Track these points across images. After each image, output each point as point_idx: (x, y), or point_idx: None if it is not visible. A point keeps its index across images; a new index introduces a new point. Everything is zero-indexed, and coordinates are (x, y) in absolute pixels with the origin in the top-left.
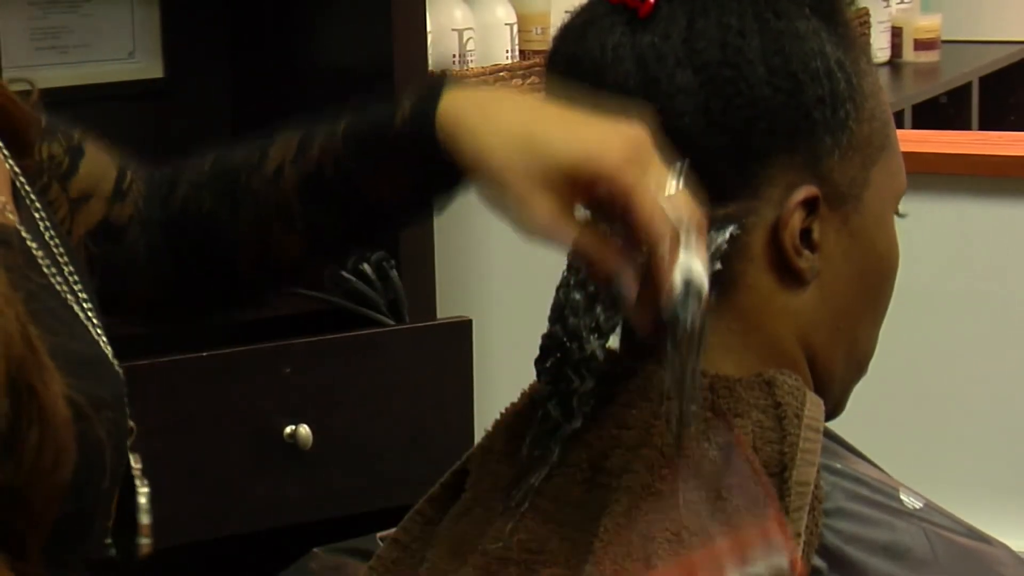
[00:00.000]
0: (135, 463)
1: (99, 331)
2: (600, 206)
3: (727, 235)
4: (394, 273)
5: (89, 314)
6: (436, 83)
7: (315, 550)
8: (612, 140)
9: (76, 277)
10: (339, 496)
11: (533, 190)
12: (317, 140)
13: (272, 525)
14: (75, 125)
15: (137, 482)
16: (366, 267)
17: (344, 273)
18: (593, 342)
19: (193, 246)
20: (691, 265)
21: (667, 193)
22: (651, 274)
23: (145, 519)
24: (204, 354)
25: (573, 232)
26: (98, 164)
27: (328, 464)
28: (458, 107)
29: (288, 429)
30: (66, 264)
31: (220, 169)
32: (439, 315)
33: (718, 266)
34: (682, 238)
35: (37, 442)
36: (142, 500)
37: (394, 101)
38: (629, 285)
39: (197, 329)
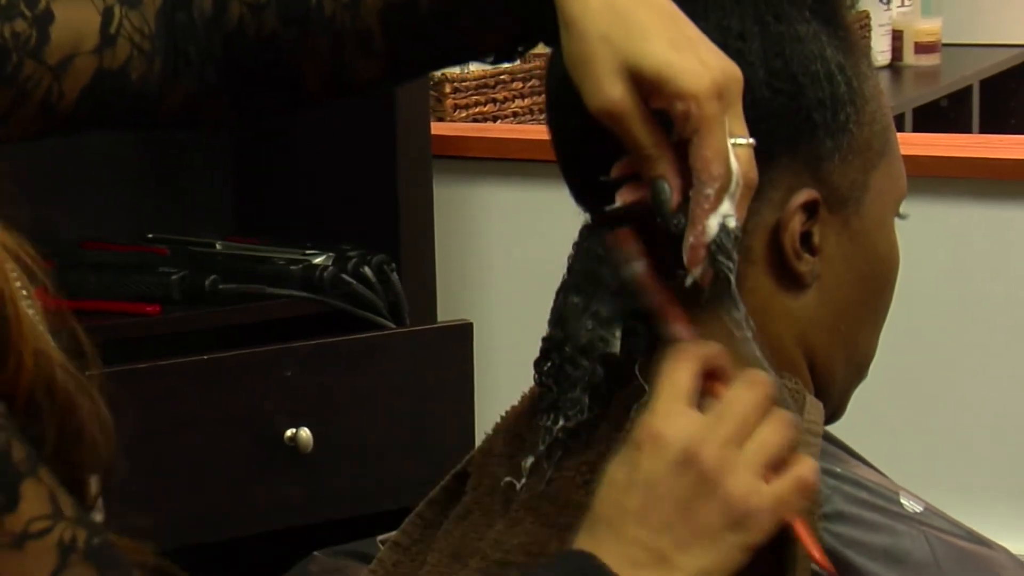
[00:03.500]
0: None
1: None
2: (666, 120)
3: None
4: (395, 276)
5: (37, 318)
6: None
7: (315, 553)
8: (708, 67)
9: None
10: (340, 499)
11: (614, 72)
12: None
13: (273, 528)
14: None
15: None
16: (367, 270)
17: (345, 276)
18: (593, 345)
19: (251, 67)
20: (725, 216)
21: (735, 141)
22: (692, 216)
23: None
24: (205, 357)
25: (635, 125)
26: (73, 20)
27: (329, 467)
28: None
29: (289, 432)
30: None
31: None
32: (440, 318)
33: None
34: (731, 188)
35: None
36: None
37: None
38: (675, 189)
39: (197, 333)
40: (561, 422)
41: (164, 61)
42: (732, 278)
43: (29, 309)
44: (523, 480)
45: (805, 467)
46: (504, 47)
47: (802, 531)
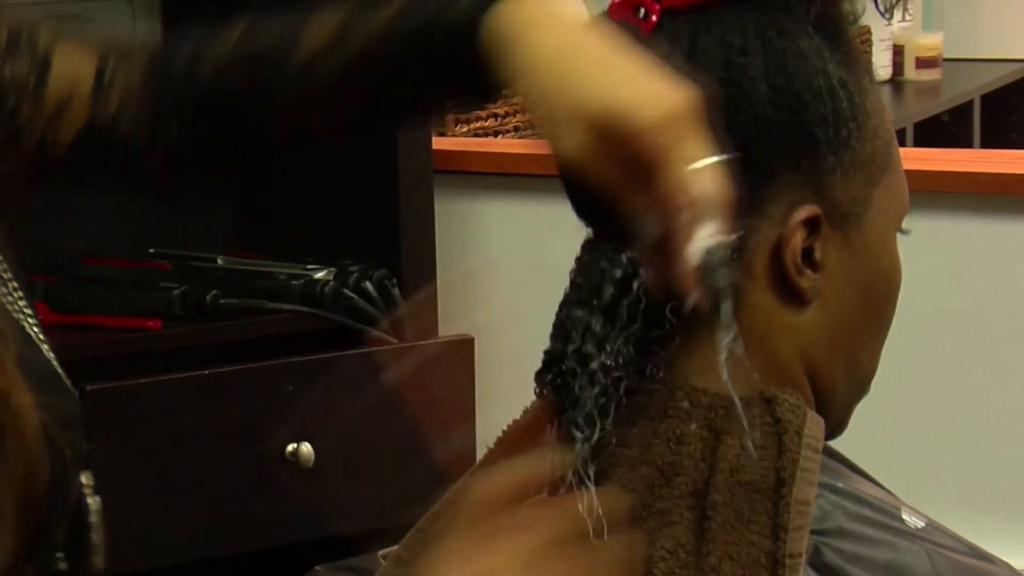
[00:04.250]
0: (87, 480)
1: (48, 350)
2: (629, 165)
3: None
4: (396, 291)
5: (36, 331)
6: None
7: (316, 568)
8: (654, 98)
9: (20, 293)
10: (341, 513)
11: (571, 121)
12: (359, 28)
13: (273, 543)
14: (44, 24)
15: (89, 500)
16: (368, 285)
17: (346, 291)
18: (594, 359)
19: (220, 124)
20: (707, 244)
21: (699, 165)
22: (665, 246)
23: (96, 538)
24: (207, 372)
25: (594, 167)
26: (71, 68)
27: (330, 482)
28: (523, 14)
29: (290, 447)
30: (10, 280)
31: (248, 51)
32: (441, 333)
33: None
34: (704, 214)
35: (12, 451)
36: (93, 519)
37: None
38: (653, 224)
39: (199, 348)
40: (579, 443)
41: (148, 117)
42: (725, 301)
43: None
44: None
45: None
46: (451, 95)
47: None
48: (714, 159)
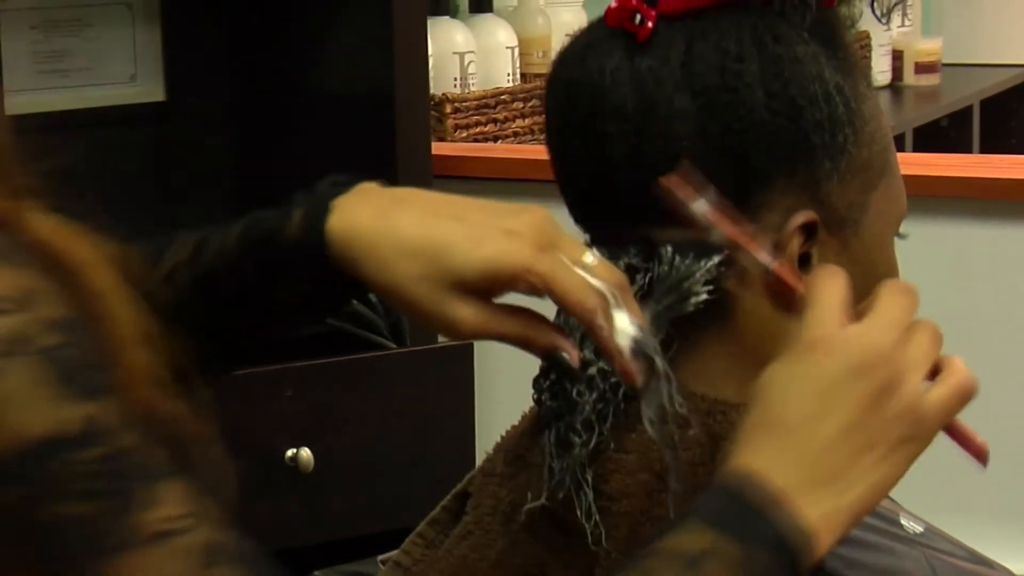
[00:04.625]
0: None
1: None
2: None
3: (714, 261)
4: None
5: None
6: (321, 197)
7: (316, 573)
8: (516, 237)
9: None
10: (340, 519)
11: (449, 298)
12: (212, 245)
13: (273, 548)
14: None
15: None
16: None
17: None
18: (593, 365)
19: None
20: (626, 326)
21: (584, 263)
22: (599, 346)
23: None
24: None
25: (502, 327)
26: None
27: (329, 487)
28: (353, 226)
29: (289, 452)
30: None
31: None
32: (440, 339)
33: (703, 296)
34: (611, 301)
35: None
36: None
37: (287, 206)
38: (572, 354)
39: None
40: (578, 448)
41: None
42: (662, 370)
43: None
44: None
45: (961, 371)
46: (309, 305)
47: (963, 427)
48: (593, 256)
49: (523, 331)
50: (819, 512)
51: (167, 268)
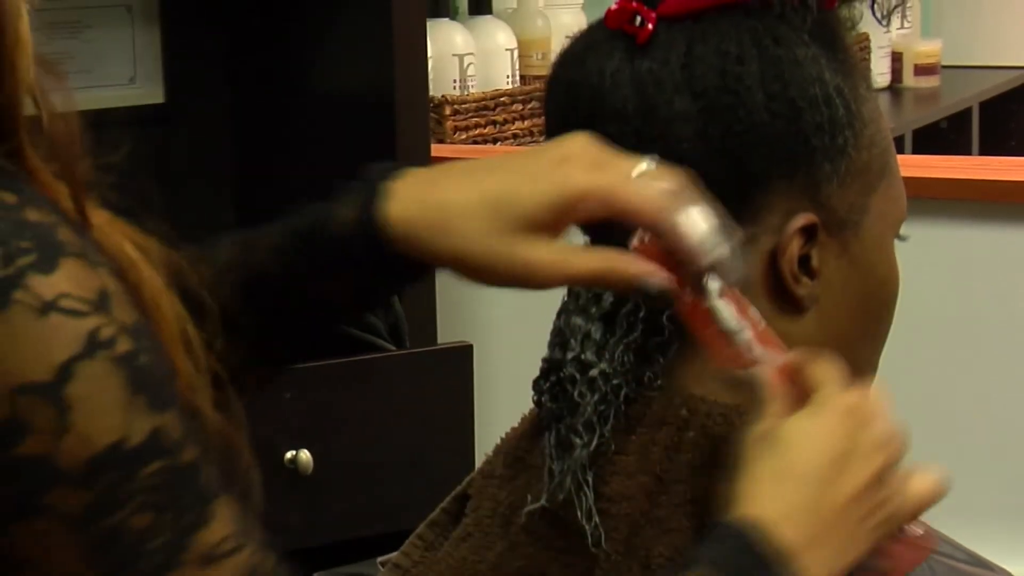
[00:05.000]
0: None
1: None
2: (595, 228)
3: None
4: (395, 298)
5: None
6: (373, 185)
7: (315, 575)
8: (567, 162)
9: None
10: (340, 521)
11: (524, 243)
12: (261, 243)
13: (273, 550)
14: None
15: None
16: None
17: None
18: (594, 367)
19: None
20: (702, 218)
21: (640, 173)
22: (672, 249)
23: None
24: None
25: (583, 263)
26: None
27: (329, 489)
28: (409, 207)
29: (289, 454)
30: None
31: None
32: (440, 340)
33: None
34: (683, 198)
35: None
36: None
37: (334, 200)
38: (660, 277)
39: None
40: (579, 449)
41: None
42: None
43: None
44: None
45: (932, 478)
46: (363, 300)
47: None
48: (646, 162)
49: (606, 263)
50: (822, 572)
51: (212, 274)
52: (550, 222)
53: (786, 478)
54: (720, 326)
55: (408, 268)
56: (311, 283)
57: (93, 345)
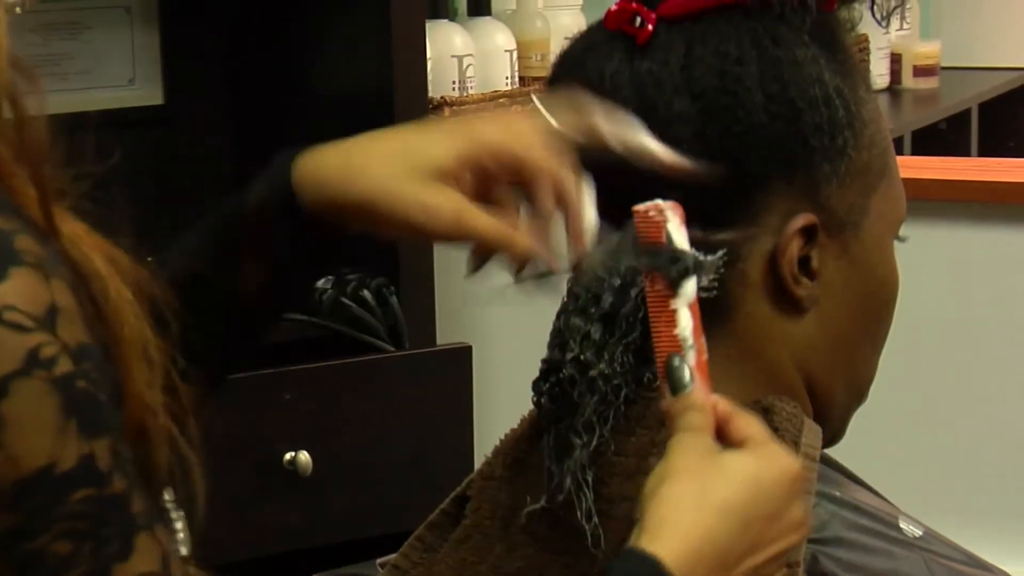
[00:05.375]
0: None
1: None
2: (499, 189)
3: (718, 256)
4: (394, 299)
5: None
6: (281, 158)
7: None
8: (486, 122)
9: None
10: (339, 522)
11: (429, 186)
12: (180, 251)
13: (272, 551)
14: None
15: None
16: (366, 293)
17: (344, 299)
18: (594, 367)
19: None
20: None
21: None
22: (567, 221)
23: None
24: None
25: (479, 221)
26: None
27: (328, 490)
28: (319, 162)
29: (288, 455)
30: None
31: None
32: (439, 341)
33: (704, 283)
34: (665, 211)
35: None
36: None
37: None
38: (552, 263)
39: None
40: (579, 449)
41: None
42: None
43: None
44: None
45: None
46: (279, 277)
47: None
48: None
49: (500, 230)
50: None
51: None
52: (455, 170)
53: (709, 511)
54: (676, 330)
55: (322, 228)
56: (231, 271)
57: (32, 363)
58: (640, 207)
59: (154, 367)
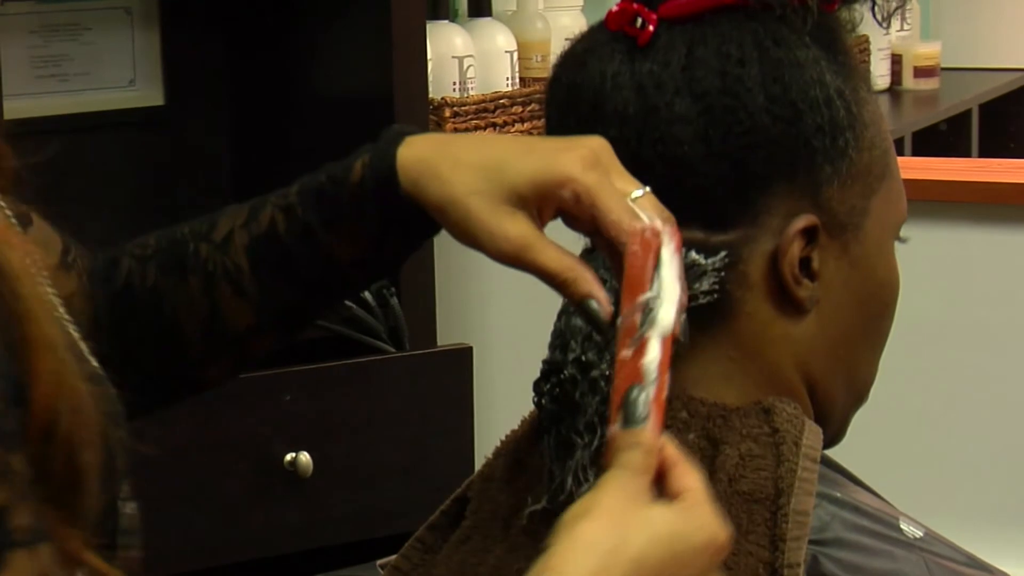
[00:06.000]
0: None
1: (88, 350)
2: (573, 219)
3: (719, 258)
4: (395, 300)
5: (74, 331)
6: (393, 134)
7: None
8: (571, 150)
9: (60, 299)
10: (339, 523)
11: (501, 211)
12: (269, 202)
13: (272, 553)
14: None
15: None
16: (367, 295)
17: (344, 300)
18: (595, 368)
19: (137, 322)
20: (673, 264)
21: (633, 197)
22: (626, 271)
23: (127, 541)
24: None
25: (544, 255)
26: (44, 234)
27: (328, 491)
28: (418, 152)
29: (288, 456)
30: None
31: (166, 242)
32: (439, 343)
33: (706, 286)
34: (663, 238)
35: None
36: (125, 524)
37: (348, 159)
38: (603, 302)
39: None
40: (580, 449)
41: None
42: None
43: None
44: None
45: None
46: (370, 253)
47: None
48: (644, 189)
49: (563, 266)
50: None
51: (222, 233)
52: (532, 198)
53: (620, 563)
54: (644, 360)
55: (413, 217)
56: (320, 237)
57: None
58: (637, 226)
59: (68, 364)
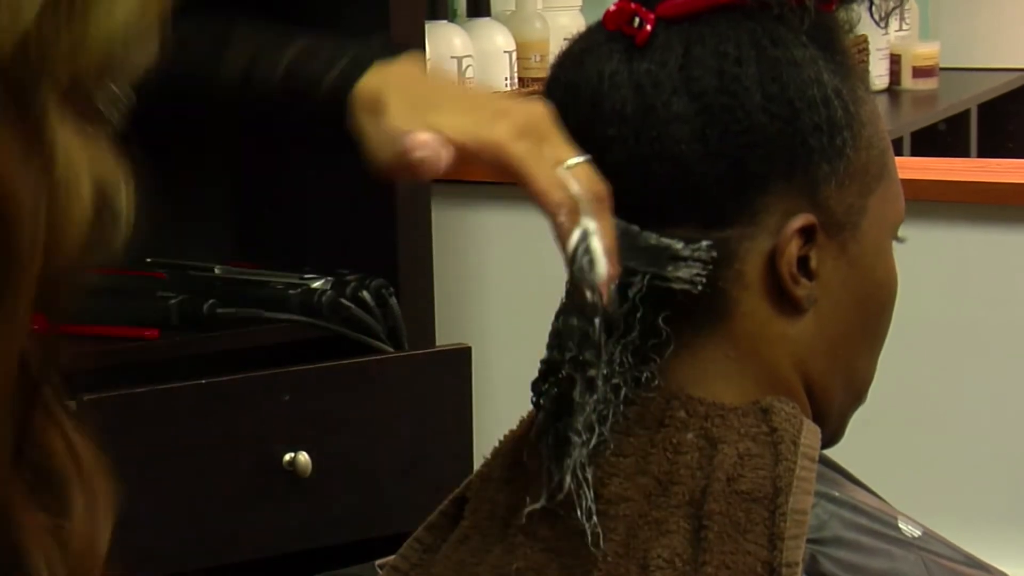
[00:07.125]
0: None
1: None
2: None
3: (702, 247)
4: (393, 300)
5: None
6: (372, 53)
7: None
8: (506, 117)
9: None
10: (338, 523)
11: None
12: (266, 65)
13: (271, 553)
14: None
15: None
16: (365, 294)
17: (343, 300)
18: (594, 367)
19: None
20: (588, 229)
21: (565, 166)
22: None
23: None
24: (204, 381)
25: (448, 150)
26: None
27: (327, 491)
28: (377, 83)
29: (287, 456)
30: None
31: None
32: (438, 342)
33: (684, 273)
34: (582, 207)
35: None
36: None
37: (339, 53)
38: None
39: (196, 358)
40: (578, 448)
41: None
42: (586, 290)
43: None
44: (523, 502)
45: None
46: (328, 145)
47: None
48: (580, 158)
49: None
50: None
51: (224, 81)
52: (460, 145)
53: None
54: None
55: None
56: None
57: None
58: (559, 196)
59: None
